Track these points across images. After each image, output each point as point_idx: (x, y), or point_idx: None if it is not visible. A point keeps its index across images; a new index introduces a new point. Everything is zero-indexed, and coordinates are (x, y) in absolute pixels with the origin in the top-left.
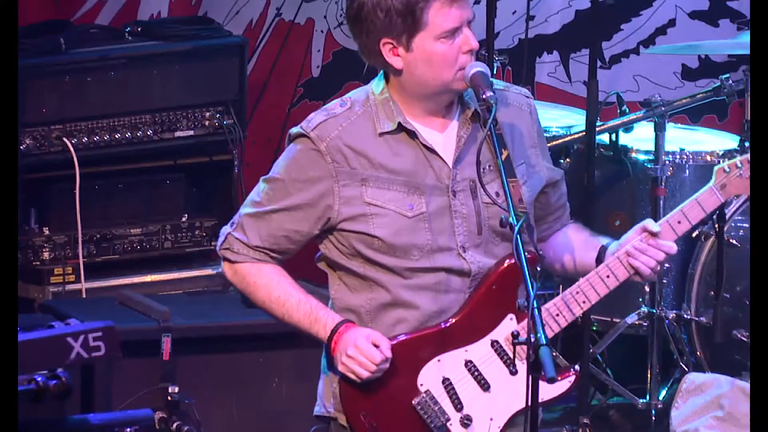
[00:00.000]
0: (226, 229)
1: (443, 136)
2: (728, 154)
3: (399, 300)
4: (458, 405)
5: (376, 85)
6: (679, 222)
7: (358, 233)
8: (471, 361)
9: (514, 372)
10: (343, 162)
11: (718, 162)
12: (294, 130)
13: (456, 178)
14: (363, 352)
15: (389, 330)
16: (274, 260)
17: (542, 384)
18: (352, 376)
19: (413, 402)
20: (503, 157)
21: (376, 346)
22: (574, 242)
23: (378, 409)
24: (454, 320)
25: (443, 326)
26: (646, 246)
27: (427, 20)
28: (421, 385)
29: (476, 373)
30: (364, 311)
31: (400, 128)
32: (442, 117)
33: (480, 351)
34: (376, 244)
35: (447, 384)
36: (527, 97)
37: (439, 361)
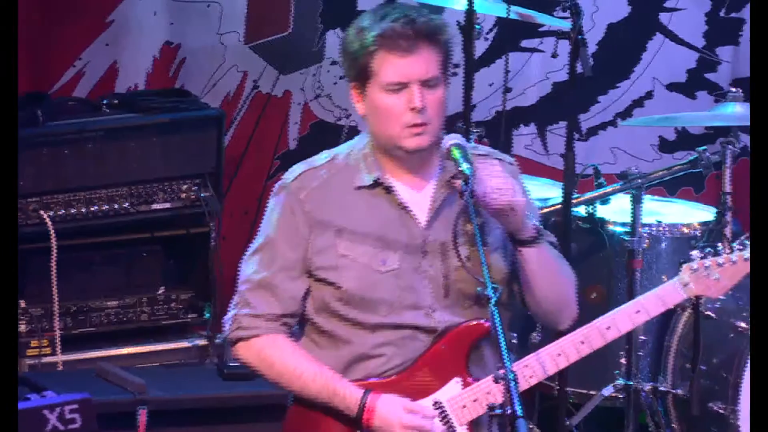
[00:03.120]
0: (229, 314)
1: (420, 195)
2: (705, 226)
3: (365, 355)
4: None
5: (360, 139)
6: (637, 312)
7: (328, 284)
8: None
9: None
10: (320, 212)
11: (695, 236)
12: (277, 184)
13: (428, 239)
14: (416, 427)
15: (367, 380)
16: (286, 327)
17: None
18: None
19: None
20: (471, 227)
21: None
22: None
23: None
24: (401, 375)
25: (388, 379)
26: None
27: (374, 69)
28: None
29: None
30: (331, 367)
31: (377, 183)
32: (419, 176)
33: None
34: (345, 297)
35: None
36: (510, 164)
37: None
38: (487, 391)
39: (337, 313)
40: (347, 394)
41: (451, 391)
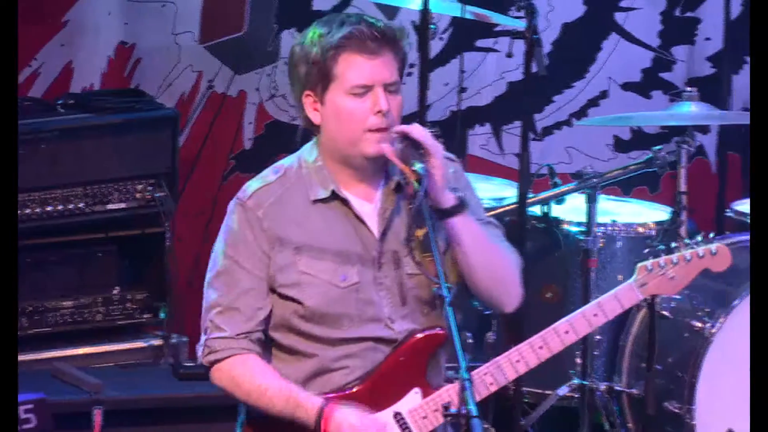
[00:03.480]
0: (201, 342)
1: (371, 206)
2: (660, 225)
3: (328, 368)
4: None
5: (309, 152)
6: (595, 315)
7: (291, 300)
8: None
9: None
10: (279, 229)
11: (650, 236)
12: (231, 203)
13: (382, 249)
14: None
15: (326, 393)
16: (257, 345)
17: None
18: None
19: None
20: (424, 232)
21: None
22: None
23: None
24: (359, 387)
25: (348, 392)
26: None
27: (338, 72)
28: None
29: None
30: (292, 380)
31: (334, 196)
32: (369, 186)
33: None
34: (307, 314)
35: None
36: (453, 160)
37: None
38: (448, 400)
39: (296, 329)
40: (308, 405)
41: (412, 402)
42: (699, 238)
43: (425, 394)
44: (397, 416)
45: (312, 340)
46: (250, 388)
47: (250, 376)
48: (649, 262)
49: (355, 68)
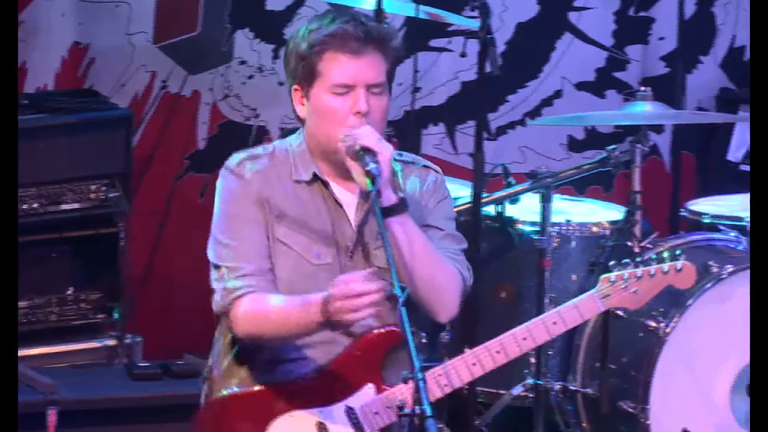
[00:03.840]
0: (218, 291)
1: (351, 198)
2: (614, 225)
3: (284, 359)
4: None
5: (295, 138)
6: (554, 323)
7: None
8: (323, 424)
9: None
10: (265, 193)
11: (604, 235)
12: (220, 172)
13: (356, 240)
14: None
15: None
16: (270, 284)
17: None
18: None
19: None
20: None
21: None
22: None
23: None
24: (314, 379)
25: (303, 382)
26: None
27: (322, 69)
28: None
29: None
30: (260, 364)
31: (315, 179)
32: (347, 180)
33: (334, 415)
34: (279, 287)
35: None
36: (436, 172)
37: (291, 416)
38: (401, 398)
39: None
40: (314, 301)
41: (364, 397)
42: (666, 254)
43: (379, 390)
44: (349, 411)
45: None
46: (268, 314)
47: (265, 305)
48: (612, 274)
49: (338, 67)
